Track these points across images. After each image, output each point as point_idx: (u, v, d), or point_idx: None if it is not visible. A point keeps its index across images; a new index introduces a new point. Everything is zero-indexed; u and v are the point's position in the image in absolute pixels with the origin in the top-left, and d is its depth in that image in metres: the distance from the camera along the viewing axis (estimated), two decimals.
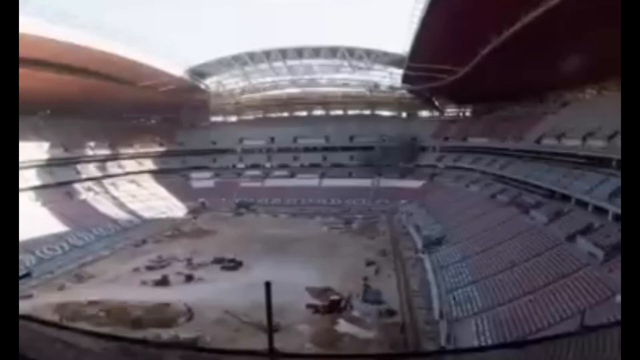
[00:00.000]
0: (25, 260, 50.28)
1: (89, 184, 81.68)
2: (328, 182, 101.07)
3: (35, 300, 41.90)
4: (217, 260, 55.16)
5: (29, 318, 8.91)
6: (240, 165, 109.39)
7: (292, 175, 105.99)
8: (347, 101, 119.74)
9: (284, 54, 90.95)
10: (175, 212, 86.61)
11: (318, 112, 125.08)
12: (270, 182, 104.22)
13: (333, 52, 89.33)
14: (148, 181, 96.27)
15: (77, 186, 78.66)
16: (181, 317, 37.98)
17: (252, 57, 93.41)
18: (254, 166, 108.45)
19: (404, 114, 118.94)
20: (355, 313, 39.48)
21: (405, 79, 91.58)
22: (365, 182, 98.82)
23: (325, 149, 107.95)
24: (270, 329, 6.99)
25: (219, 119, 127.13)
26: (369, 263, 52.99)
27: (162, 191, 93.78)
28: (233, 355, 7.69)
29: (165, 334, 34.38)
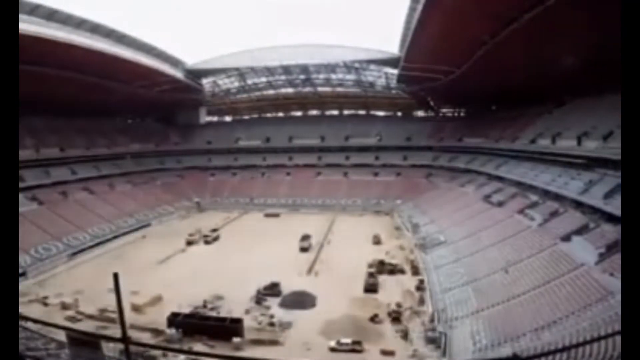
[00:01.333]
0: (20, 260, 50.21)
1: (85, 184, 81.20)
2: (323, 182, 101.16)
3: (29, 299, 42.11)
4: None
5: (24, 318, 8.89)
6: (236, 165, 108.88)
7: (287, 175, 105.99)
8: (342, 101, 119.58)
9: (279, 54, 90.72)
10: (170, 212, 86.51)
11: (313, 112, 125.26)
12: (265, 182, 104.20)
13: (328, 51, 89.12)
14: (144, 181, 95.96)
15: (73, 186, 78.26)
16: None
17: (248, 57, 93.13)
18: (250, 166, 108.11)
19: (399, 114, 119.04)
20: None
21: (401, 79, 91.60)
22: (360, 182, 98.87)
23: (321, 149, 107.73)
24: (122, 319, 7.05)
25: (214, 118, 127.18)
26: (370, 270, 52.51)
27: (158, 192, 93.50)
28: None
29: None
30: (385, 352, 32.85)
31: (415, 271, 50.86)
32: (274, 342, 34.69)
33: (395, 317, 38.99)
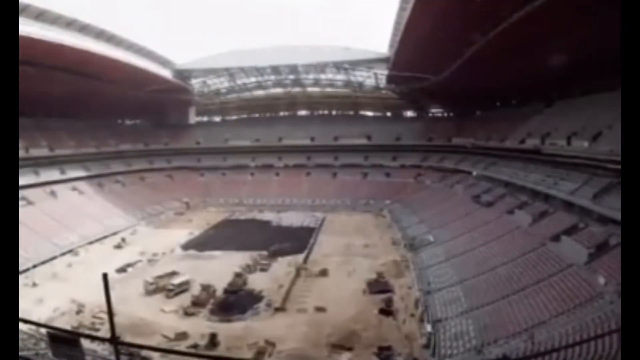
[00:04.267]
0: None
1: (74, 184, 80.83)
2: (312, 182, 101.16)
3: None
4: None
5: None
6: (225, 165, 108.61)
7: (276, 175, 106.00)
8: (332, 101, 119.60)
9: (269, 54, 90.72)
10: (160, 212, 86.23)
11: (303, 112, 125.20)
12: (255, 182, 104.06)
13: (318, 52, 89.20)
14: (133, 181, 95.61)
15: (62, 186, 77.68)
16: None
17: (237, 58, 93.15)
18: (239, 166, 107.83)
19: (388, 114, 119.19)
20: None
21: (390, 79, 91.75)
22: (350, 182, 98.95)
23: (310, 149, 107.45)
24: (111, 318, 7.01)
25: (203, 119, 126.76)
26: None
27: (147, 192, 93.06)
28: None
29: None
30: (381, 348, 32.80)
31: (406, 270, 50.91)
32: None
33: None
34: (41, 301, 41.14)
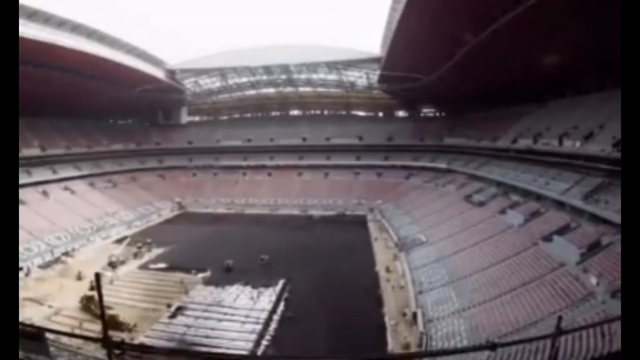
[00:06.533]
0: None
1: (66, 183, 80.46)
2: (304, 182, 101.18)
3: None
4: None
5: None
6: (217, 165, 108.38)
7: (268, 175, 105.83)
8: (323, 101, 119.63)
9: (260, 54, 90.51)
10: (154, 212, 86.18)
11: (295, 112, 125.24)
12: (247, 182, 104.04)
13: (310, 52, 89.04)
14: (125, 180, 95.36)
15: (54, 186, 77.36)
16: None
17: (229, 58, 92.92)
18: (231, 166, 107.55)
19: (380, 114, 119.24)
20: None
21: (382, 79, 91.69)
22: (342, 182, 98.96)
23: (302, 149, 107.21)
24: (103, 319, 6.95)
25: (195, 118, 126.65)
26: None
27: (139, 191, 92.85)
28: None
29: None
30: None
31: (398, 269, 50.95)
32: None
33: None
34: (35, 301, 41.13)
